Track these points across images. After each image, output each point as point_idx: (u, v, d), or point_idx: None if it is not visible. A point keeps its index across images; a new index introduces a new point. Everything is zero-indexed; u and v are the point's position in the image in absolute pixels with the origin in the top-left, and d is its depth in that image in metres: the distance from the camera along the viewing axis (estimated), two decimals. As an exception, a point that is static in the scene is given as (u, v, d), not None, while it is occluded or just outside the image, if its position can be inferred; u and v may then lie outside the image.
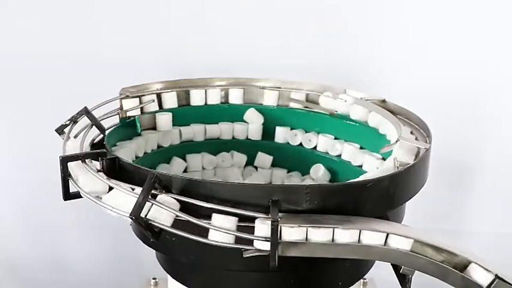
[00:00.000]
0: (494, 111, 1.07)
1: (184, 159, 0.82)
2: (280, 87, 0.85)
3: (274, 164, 0.86)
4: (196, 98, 0.82)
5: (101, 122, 0.72)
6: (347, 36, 1.06)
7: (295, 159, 0.84)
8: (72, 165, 0.61)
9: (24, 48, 1.06)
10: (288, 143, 0.84)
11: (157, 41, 1.06)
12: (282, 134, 0.84)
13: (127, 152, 0.71)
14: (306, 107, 0.83)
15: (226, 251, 0.55)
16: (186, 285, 0.68)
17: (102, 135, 0.72)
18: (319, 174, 0.82)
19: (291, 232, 0.54)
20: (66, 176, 0.61)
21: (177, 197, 0.56)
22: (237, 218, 0.54)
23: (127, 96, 0.78)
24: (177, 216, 0.55)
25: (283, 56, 1.05)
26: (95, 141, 0.71)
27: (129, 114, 0.77)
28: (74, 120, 0.70)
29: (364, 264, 0.67)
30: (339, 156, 0.81)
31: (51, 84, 1.06)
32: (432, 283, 0.60)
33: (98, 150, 0.64)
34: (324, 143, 0.82)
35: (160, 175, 0.57)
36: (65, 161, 0.61)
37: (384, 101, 0.79)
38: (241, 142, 0.85)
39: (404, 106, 0.77)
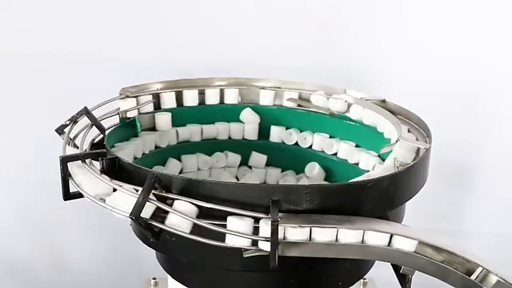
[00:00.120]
0: (494, 111, 1.07)
1: (180, 160, 0.82)
2: (280, 87, 0.85)
3: (269, 164, 0.86)
4: (189, 99, 0.82)
5: (101, 122, 0.72)
6: (347, 36, 1.06)
7: (290, 158, 0.84)
8: (72, 165, 0.61)
9: (24, 48, 1.06)
10: (284, 142, 0.84)
11: (157, 41, 1.06)
12: (277, 134, 0.84)
13: (125, 153, 0.71)
14: (301, 106, 0.83)
15: (226, 251, 0.55)
16: (186, 285, 0.68)
17: (102, 135, 0.72)
18: (314, 172, 0.82)
19: (291, 232, 0.54)
20: (66, 176, 0.61)
21: (177, 197, 0.56)
22: (236, 218, 0.54)
23: (127, 96, 0.78)
24: (194, 223, 0.55)
25: (283, 56, 1.05)
26: (95, 141, 0.71)
27: (129, 114, 0.77)
28: (74, 120, 0.70)
29: (364, 264, 0.67)
30: (335, 154, 0.81)
31: (51, 84, 1.06)
32: (432, 283, 0.60)
33: (98, 150, 0.64)
34: (319, 141, 0.82)
35: (160, 175, 0.57)
36: (65, 161, 0.61)
37: (383, 101, 0.79)
38: (237, 142, 0.85)
39: (404, 106, 0.77)
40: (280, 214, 0.54)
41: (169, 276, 0.70)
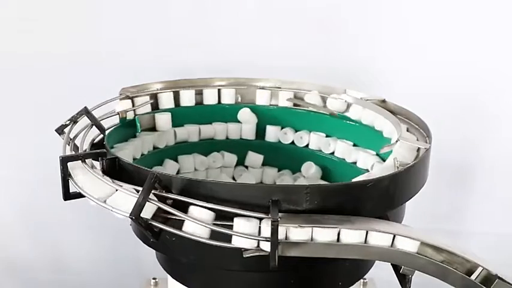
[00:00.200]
0: (494, 111, 1.07)
1: (177, 161, 0.82)
2: (280, 87, 0.85)
3: (265, 163, 0.86)
4: (185, 99, 0.82)
5: (101, 122, 0.72)
6: (347, 36, 1.06)
7: (287, 157, 0.84)
8: (72, 165, 0.61)
9: (24, 48, 1.06)
10: (280, 141, 0.84)
11: (157, 41, 1.06)
12: (273, 133, 0.85)
13: (124, 154, 0.71)
14: (299, 106, 0.84)
15: (226, 251, 0.55)
16: (186, 285, 0.68)
17: (102, 135, 0.72)
18: (310, 172, 0.82)
19: (291, 232, 0.54)
20: (66, 176, 0.61)
21: (177, 197, 0.56)
22: (236, 218, 0.54)
23: (127, 97, 0.78)
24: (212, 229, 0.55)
25: (283, 56, 1.05)
26: (95, 141, 0.71)
27: (128, 114, 0.77)
28: (74, 120, 0.70)
29: (364, 264, 0.67)
30: (332, 153, 0.81)
31: (51, 84, 1.06)
32: (432, 283, 0.60)
33: (98, 150, 0.64)
34: (316, 140, 0.82)
35: (160, 175, 0.57)
36: (65, 161, 0.61)
37: (384, 101, 0.79)
38: (234, 142, 0.85)
39: (404, 106, 0.77)
40: (280, 214, 0.54)
41: (169, 276, 0.70)
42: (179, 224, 0.56)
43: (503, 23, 1.03)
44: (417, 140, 0.70)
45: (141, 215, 0.55)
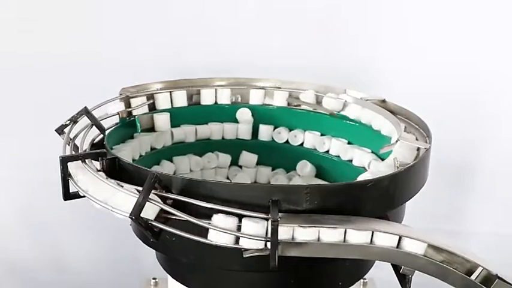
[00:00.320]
0: (494, 111, 1.07)
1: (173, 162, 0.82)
2: (280, 87, 0.85)
3: (260, 162, 0.86)
4: (177, 100, 0.82)
5: (101, 122, 0.72)
6: (347, 36, 1.06)
7: (281, 156, 0.84)
8: (72, 165, 0.61)
9: (24, 48, 1.06)
10: (274, 140, 0.84)
11: (157, 41, 1.06)
12: (266, 132, 0.85)
13: (123, 155, 0.71)
14: (297, 105, 0.84)
15: (226, 251, 0.55)
16: (186, 285, 0.68)
17: (102, 135, 0.72)
18: (305, 170, 0.82)
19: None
20: (66, 176, 0.61)
21: (177, 197, 0.56)
22: (237, 218, 0.54)
23: (127, 97, 0.78)
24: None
25: (283, 56, 1.05)
26: (95, 141, 0.71)
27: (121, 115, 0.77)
28: (74, 120, 0.70)
29: (364, 264, 0.67)
30: (327, 152, 0.81)
31: (51, 84, 1.06)
32: (432, 283, 0.60)
33: (98, 150, 0.64)
34: (311, 139, 0.82)
35: (160, 175, 0.57)
36: (65, 161, 0.61)
37: (384, 101, 0.79)
38: (230, 142, 0.85)
39: (404, 106, 0.77)
40: (280, 214, 0.54)
41: (169, 276, 0.70)
42: (179, 224, 0.56)
43: (503, 23, 1.03)
44: (417, 140, 0.70)
45: (143, 215, 0.55)
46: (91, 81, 1.04)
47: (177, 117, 0.81)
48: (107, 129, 0.73)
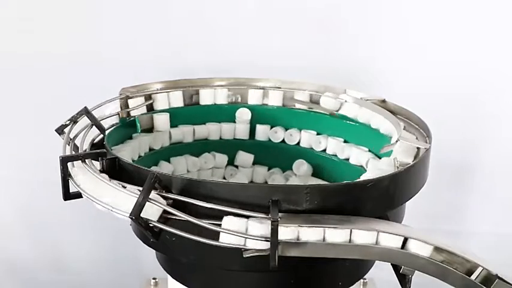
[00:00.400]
0: (494, 111, 1.07)
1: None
2: (280, 87, 0.85)
3: (256, 162, 0.86)
4: (174, 100, 0.82)
5: (101, 122, 0.72)
6: (347, 36, 1.06)
7: (278, 156, 0.84)
8: (72, 165, 0.61)
9: (24, 48, 1.06)
10: (270, 140, 0.84)
11: (157, 41, 1.06)
12: (262, 132, 0.85)
13: (122, 155, 0.71)
14: (288, 105, 0.84)
15: (226, 251, 0.55)
16: (186, 285, 0.68)
17: (102, 135, 0.72)
18: (302, 169, 0.82)
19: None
20: (66, 176, 0.61)
21: (177, 197, 0.56)
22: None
23: (127, 97, 0.78)
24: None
25: (283, 56, 1.05)
26: (95, 141, 0.71)
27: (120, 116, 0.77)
28: (74, 120, 0.70)
29: (364, 264, 0.67)
30: (324, 151, 0.81)
31: (51, 84, 1.06)
32: (432, 283, 0.60)
33: (98, 150, 0.64)
34: (307, 138, 0.83)
35: (160, 175, 0.57)
36: (65, 161, 0.61)
37: (384, 101, 0.79)
38: (227, 142, 0.85)
39: (404, 106, 0.77)
40: (280, 214, 0.54)
41: (169, 276, 0.70)
42: (179, 224, 0.56)
43: (503, 23, 1.03)
44: (417, 140, 0.70)
45: (143, 215, 0.55)
46: (91, 81, 1.04)
47: (176, 117, 0.81)
48: (107, 129, 0.73)
